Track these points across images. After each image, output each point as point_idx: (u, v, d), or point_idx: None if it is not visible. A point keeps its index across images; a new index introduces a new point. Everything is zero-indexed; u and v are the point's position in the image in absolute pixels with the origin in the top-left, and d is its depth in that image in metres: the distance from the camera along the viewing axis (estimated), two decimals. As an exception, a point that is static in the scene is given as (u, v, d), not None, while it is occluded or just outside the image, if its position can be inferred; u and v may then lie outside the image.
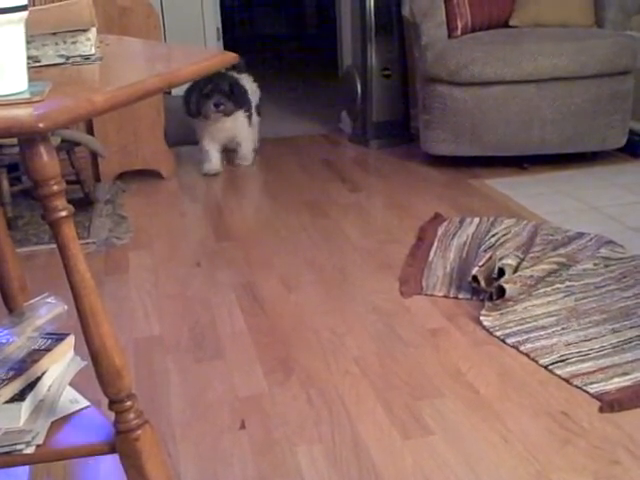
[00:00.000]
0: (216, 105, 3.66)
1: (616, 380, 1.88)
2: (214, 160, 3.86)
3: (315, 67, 6.74)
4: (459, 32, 3.69)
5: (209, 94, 3.65)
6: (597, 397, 1.83)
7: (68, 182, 3.34)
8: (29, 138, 1.06)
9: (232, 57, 1.32)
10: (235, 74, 3.84)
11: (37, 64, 1.28)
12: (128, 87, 1.08)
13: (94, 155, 3.62)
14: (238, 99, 3.74)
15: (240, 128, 3.84)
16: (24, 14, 1.04)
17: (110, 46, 1.47)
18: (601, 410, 1.78)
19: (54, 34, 1.29)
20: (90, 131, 3.63)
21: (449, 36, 3.68)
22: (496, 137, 3.51)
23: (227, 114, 3.72)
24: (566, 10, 3.73)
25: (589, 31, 3.61)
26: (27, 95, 1.04)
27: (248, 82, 3.94)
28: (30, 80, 1.10)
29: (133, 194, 3.58)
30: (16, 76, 1.05)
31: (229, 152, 4.00)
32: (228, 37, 6.14)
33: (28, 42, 1.15)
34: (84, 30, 1.30)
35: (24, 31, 1.06)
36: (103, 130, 3.64)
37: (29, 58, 1.20)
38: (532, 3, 3.75)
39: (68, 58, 1.30)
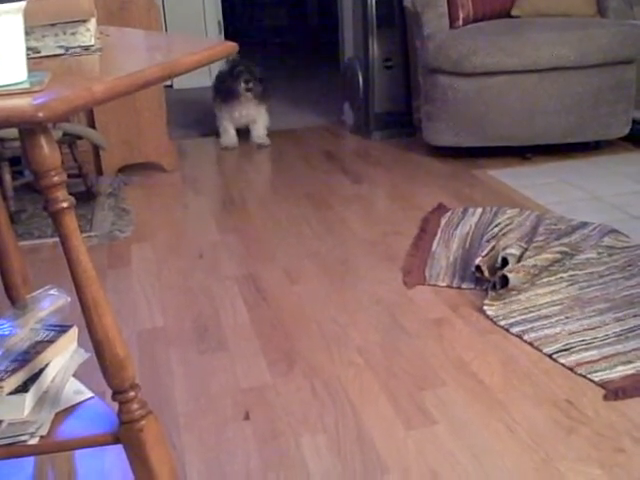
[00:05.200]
0: (246, 82, 4.05)
1: (620, 368, 1.88)
2: (232, 135, 4.21)
3: (317, 59, 6.73)
4: (461, 22, 3.68)
5: (239, 75, 4.06)
6: (601, 385, 1.82)
7: (70, 175, 3.35)
8: (30, 129, 1.06)
9: (232, 47, 1.32)
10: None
11: (37, 55, 1.28)
12: (128, 77, 1.08)
13: (96, 148, 3.62)
14: (265, 90, 4.17)
15: (258, 113, 4.20)
16: (22, 4, 1.04)
17: (110, 37, 1.47)
18: (605, 398, 1.78)
19: (54, 25, 1.28)
20: (92, 124, 3.63)
21: (451, 26, 3.67)
22: (499, 127, 3.50)
23: (256, 95, 4.11)
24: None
25: (591, 20, 3.60)
26: (26, 85, 1.04)
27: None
28: (30, 71, 1.09)
29: (135, 187, 3.58)
30: (15, 66, 1.05)
31: (244, 132, 4.29)
32: (229, 30, 6.12)
33: (28, 33, 1.15)
34: (84, 21, 1.29)
35: (22, 21, 1.06)
36: (105, 123, 3.64)
37: (29, 49, 1.20)
38: (534, -8, 3.73)
39: (68, 49, 1.30)
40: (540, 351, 1.99)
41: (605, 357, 1.93)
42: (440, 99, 3.54)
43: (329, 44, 6.08)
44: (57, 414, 1.32)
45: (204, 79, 5.68)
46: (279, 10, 8.33)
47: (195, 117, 4.88)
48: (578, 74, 3.43)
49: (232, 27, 6.29)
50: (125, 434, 1.25)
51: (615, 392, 1.79)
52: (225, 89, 4.13)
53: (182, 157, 3.99)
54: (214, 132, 4.32)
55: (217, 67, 5.58)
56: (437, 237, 2.74)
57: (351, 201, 3.25)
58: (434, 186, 3.35)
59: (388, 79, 4.10)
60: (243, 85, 4.06)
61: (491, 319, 2.17)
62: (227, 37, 5.86)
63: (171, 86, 5.73)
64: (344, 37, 4.50)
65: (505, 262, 2.33)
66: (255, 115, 4.20)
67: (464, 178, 3.43)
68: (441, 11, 3.65)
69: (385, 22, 4.03)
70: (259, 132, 4.23)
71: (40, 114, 0.94)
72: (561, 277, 2.33)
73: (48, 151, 1.08)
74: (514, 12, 3.75)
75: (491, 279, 2.32)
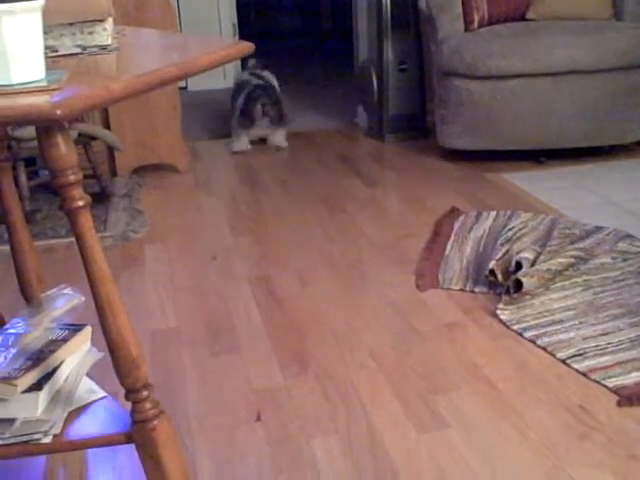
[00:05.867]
0: (263, 105, 4.08)
1: (634, 374, 1.86)
2: (243, 141, 4.18)
3: (331, 61, 6.73)
4: (476, 25, 3.67)
5: (257, 99, 4.09)
6: (615, 391, 1.81)
7: (85, 176, 3.35)
8: (47, 127, 1.06)
9: (248, 47, 1.32)
10: (259, 71, 4.30)
11: (54, 54, 1.29)
12: (145, 75, 1.08)
13: (111, 149, 3.63)
14: (281, 116, 4.18)
15: (276, 129, 4.21)
16: (41, 2, 1.05)
17: (126, 37, 1.47)
18: (619, 404, 1.77)
19: (71, 24, 1.29)
20: (107, 125, 3.64)
21: (466, 29, 3.66)
22: (513, 131, 3.49)
23: (272, 121, 4.14)
24: (583, 3, 3.70)
25: (607, 24, 3.58)
26: (44, 83, 1.04)
27: (271, 76, 4.34)
28: (48, 69, 1.10)
29: (149, 188, 3.59)
30: (33, 64, 1.05)
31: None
32: (244, 32, 6.13)
33: (46, 32, 1.15)
34: (101, 20, 1.30)
35: (41, 20, 1.06)
36: (120, 124, 3.65)
37: (47, 48, 1.21)
38: (550, -4, 3.72)
39: (85, 48, 1.31)
40: (553, 356, 1.98)
41: (619, 363, 1.91)
42: (454, 102, 3.54)
43: (343, 47, 6.08)
44: (70, 413, 1.32)
45: (218, 81, 5.70)
46: (293, 14, 8.34)
47: (209, 119, 4.90)
48: (593, 78, 3.41)
49: (246, 30, 6.30)
50: (137, 433, 1.26)
51: (629, 398, 1.78)
52: (242, 110, 4.14)
53: (196, 159, 4.00)
54: (228, 134, 4.34)
55: (232, 69, 5.60)
56: (450, 240, 2.74)
57: (365, 204, 3.25)
58: (448, 189, 3.34)
59: (402, 82, 4.09)
60: (259, 108, 4.08)
61: (504, 323, 2.16)
62: (241, 40, 5.87)
63: (185, 88, 5.75)
64: (358, 40, 4.50)
65: (519, 266, 2.32)
66: (271, 133, 4.22)
67: (478, 181, 3.42)
68: (456, 14, 3.64)
69: (399, 25, 4.03)
70: (277, 137, 4.23)
71: (58, 111, 0.94)
72: (575, 282, 2.32)
73: (65, 149, 1.08)
74: (529, 15, 3.74)
75: (505, 283, 2.31)
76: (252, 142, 4.21)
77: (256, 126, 4.13)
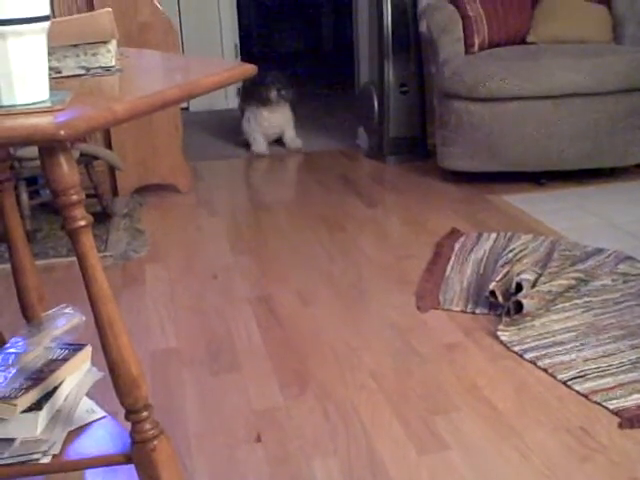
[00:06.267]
0: (279, 90, 4.36)
1: (636, 396, 1.86)
2: (263, 143, 4.44)
3: (332, 83, 6.76)
4: (476, 48, 3.69)
5: (272, 83, 4.36)
6: (616, 413, 1.81)
7: (86, 196, 3.36)
8: (50, 148, 1.07)
9: (251, 68, 1.33)
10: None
11: (58, 75, 1.30)
12: (148, 97, 1.09)
13: (112, 169, 3.64)
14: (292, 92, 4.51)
15: (287, 120, 4.50)
16: (46, 24, 1.06)
17: (130, 58, 1.49)
18: (621, 426, 1.76)
19: (75, 46, 1.30)
20: (108, 145, 3.66)
21: (466, 52, 3.68)
22: (513, 153, 3.50)
23: (286, 99, 4.44)
24: (584, 26, 3.73)
25: (607, 47, 3.61)
26: (48, 104, 1.05)
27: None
28: (51, 90, 1.11)
29: (150, 208, 3.59)
30: (38, 85, 1.06)
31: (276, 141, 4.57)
32: (245, 53, 6.18)
33: (49, 53, 1.16)
34: (105, 42, 1.31)
35: (46, 41, 1.07)
36: (121, 144, 3.66)
37: (50, 69, 1.22)
38: (550, 19, 3.75)
39: (89, 69, 1.32)
40: (554, 378, 1.97)
41: (620, 385, 1.91)
42: (455, 124, 3.55)
43: (344, 69, 6.11)
44: (69, 433, 1.32)
45: (220, 102, 5.73)
46: (295, 35, 8.40)
47: (211, 139, 4.92)
48: (594, 101, 3.43)
49: (248, 52, 6.34)
50: (137, 454, 1.25)
51: (630, 420, 1.77)
52: (256, 96, 4.39)
53: (197, 179, 4.01)
54: (229, 154, 4.36)
55: (233, 90, 5.63)
56: (451, 262, 2.74)
57: (365, 224, 3.25)
58: (448, 211, 3.35)
59: (403, 104, 4.11)
60: (275, 92, 4.34)
61: (505, 345, 2.15)
62: (243, 61, 5.90)
63: (187, 108, 5.77)
64: (359, 62, 4.53)
65: (519, 287, 2.32)
66: (284, 122, 4.46)
67: (478, 203, 3.43)
68: (457, 37, 3.67)
69: (400, 47, 4.05)
70: (291, 135, 4.48)
71: (62, 132, 0.95)
72: (576, 303, 2.32)
73: (67, 169, 1.09)
74: (530, 38, 3.77)
75: (505, 304, 2.31)
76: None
77: (271, 110, 4.39)
